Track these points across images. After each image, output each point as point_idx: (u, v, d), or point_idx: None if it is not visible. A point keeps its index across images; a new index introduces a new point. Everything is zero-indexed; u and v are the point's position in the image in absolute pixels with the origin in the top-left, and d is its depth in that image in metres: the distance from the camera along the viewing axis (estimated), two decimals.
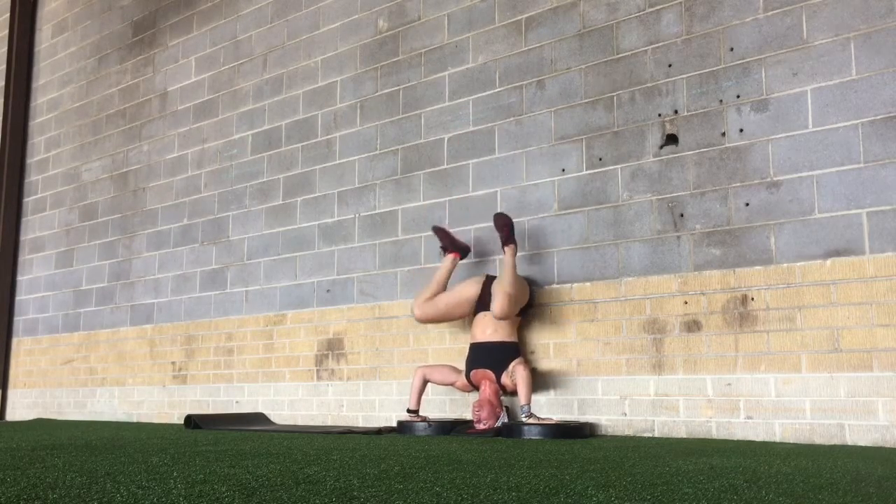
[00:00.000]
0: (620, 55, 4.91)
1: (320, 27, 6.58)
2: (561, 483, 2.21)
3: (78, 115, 8.72)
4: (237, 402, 6.63)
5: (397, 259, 5.79)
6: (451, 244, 5.25)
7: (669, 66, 4.69)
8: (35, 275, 8.85)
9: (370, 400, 5.78)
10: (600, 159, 4.89)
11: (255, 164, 6.89)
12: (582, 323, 4.82)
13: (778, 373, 4.12)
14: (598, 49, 5.01)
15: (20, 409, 8.70)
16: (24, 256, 9.04)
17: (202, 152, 7.34)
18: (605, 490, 2.07)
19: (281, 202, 6.61)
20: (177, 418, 7.03)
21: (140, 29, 8.22)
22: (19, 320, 8.95)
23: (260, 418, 6.19)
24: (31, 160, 9.21)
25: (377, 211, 5.95)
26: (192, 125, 7.47)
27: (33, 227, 9.00)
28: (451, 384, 5.04)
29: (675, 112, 4.64)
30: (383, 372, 5.72)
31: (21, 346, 8.87)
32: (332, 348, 6.05)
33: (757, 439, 4.13)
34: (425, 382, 5.07)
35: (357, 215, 6.06)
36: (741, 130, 4.40)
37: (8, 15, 9.70)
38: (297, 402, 6.22)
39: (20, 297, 8.99)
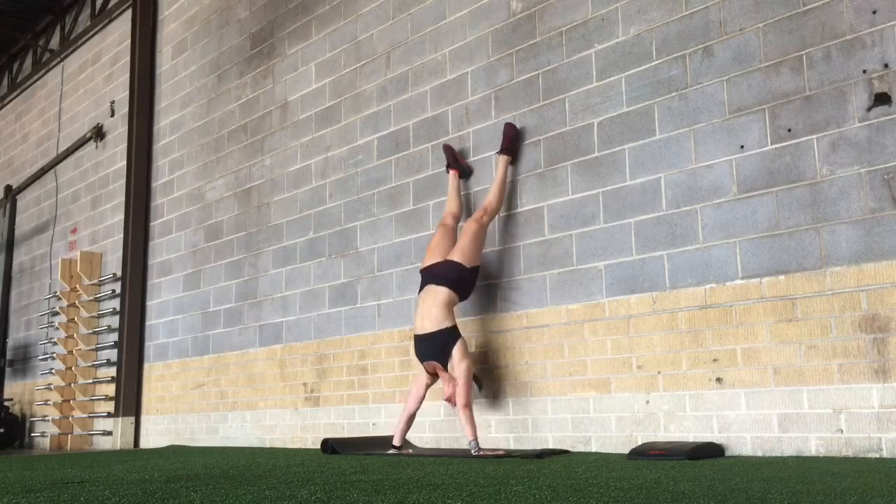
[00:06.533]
0: (808, 6, 4.16)
1: (446, 17, 6.10)
2: None
3: (200, 135, 8.57)
4: (374, 424, 6.16)
5: (546, 261, 5.18)
6: (453, 161, 5.63)
7: (874, 12, 3.92)
8: (163, 298, 8.72)
9: (521, 419, 5.18)
10: (789, 130, 4.15)
11: (381, 170, 6.45)
12: (777, 324, 4.07)
13: None
14: (779, 2, 4.28)
15: (153, 435, 8.54)
16: (153, 280, 8.93)
17: (326, 161, 6.97)
18: None
19: (411, 207, 6.13)
20: (311, 443, 6.63)
21: (258, 40, 7.99)
22: (150, 345, 8.83)
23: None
24: (156, 183, 9.13)
25: (521, 209, 5.38)
26: (315, 134, 7.13)
27: (160, 251, 8.89)
28: (427, 388, 5.15)
29: (885, 66, 3.86)
30: (536, 387, 5.12)
31: (152, 372, 8.74)
32: (476, 363, 5.48)
33: None
34: (414, 414, 5.19)
35: (496, 216, 5.50)
36: None
37: (129, 41, 9.74)
38: (438, 422, 5.69)
39: (150, 322, 8.88)
